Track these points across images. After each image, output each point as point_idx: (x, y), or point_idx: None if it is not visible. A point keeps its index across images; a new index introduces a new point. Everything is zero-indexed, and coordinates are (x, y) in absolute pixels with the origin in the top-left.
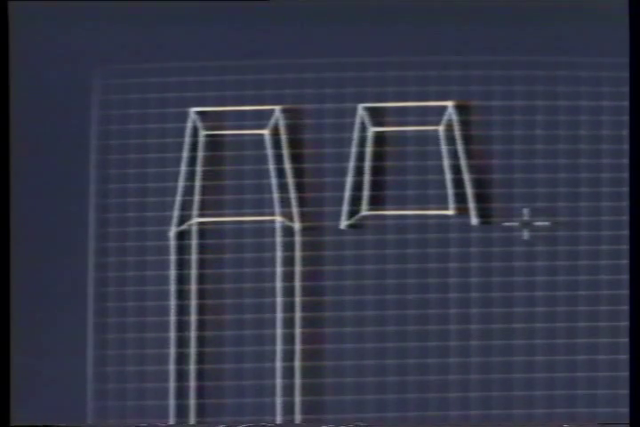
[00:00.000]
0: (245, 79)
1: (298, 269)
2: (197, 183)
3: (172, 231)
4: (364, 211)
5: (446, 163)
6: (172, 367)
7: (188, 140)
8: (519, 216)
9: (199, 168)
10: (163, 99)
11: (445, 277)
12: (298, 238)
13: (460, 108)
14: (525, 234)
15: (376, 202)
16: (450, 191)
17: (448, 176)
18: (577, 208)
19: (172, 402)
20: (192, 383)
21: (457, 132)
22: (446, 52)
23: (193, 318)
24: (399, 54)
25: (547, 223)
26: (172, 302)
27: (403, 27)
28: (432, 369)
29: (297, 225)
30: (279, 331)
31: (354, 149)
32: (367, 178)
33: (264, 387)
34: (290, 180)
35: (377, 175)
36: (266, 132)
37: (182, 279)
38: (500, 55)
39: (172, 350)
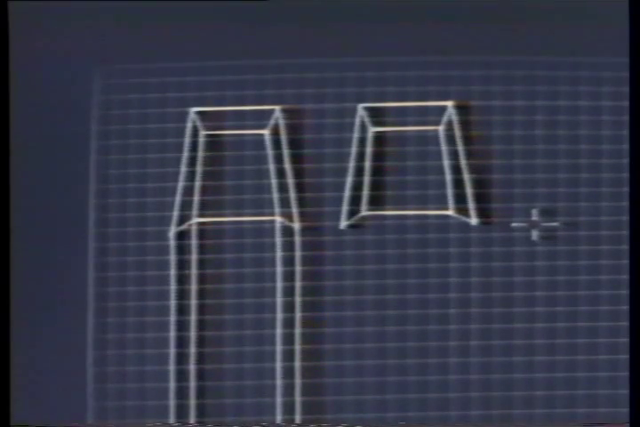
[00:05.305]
0: (245, 79)
1: (298, 269)
2: (197, 183)
3: (172, 231)
4: (364, 211)
5: (446, 163)
6: (172, 367)
7: (188, 140)
8: (524, 216)
9: (199, 168)
10: (163, 99)
11: (445, 277)
12: (298, 238)
13: (460, 108)
14: (534, 234)
15: (376, 202)
16: (450, 191)
17: (448, 176)
18: (577, 208)
19: (171, 402)
20: (192, 383)
21: (457, 132)
22: (446, 52)
23: (193, 317)
24: (399, 54)
25: (555, 224)
26: (172, 302)
27: (403, 27)
28: (432, 369)
29: (297, 225)
30: (279, 331)
31: (354, 149)
32: (367, 178)
33: (264, 387)
34: (290, 180)
35: (377, 175)
36: (266, 132)
37: (182, 279)
38: (499, 55)
39: (172, 350)
